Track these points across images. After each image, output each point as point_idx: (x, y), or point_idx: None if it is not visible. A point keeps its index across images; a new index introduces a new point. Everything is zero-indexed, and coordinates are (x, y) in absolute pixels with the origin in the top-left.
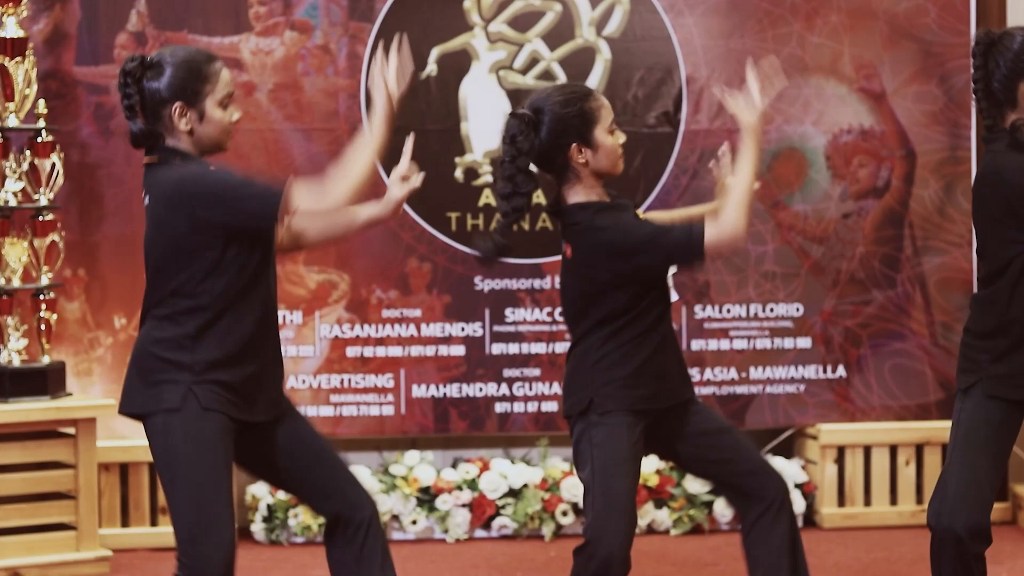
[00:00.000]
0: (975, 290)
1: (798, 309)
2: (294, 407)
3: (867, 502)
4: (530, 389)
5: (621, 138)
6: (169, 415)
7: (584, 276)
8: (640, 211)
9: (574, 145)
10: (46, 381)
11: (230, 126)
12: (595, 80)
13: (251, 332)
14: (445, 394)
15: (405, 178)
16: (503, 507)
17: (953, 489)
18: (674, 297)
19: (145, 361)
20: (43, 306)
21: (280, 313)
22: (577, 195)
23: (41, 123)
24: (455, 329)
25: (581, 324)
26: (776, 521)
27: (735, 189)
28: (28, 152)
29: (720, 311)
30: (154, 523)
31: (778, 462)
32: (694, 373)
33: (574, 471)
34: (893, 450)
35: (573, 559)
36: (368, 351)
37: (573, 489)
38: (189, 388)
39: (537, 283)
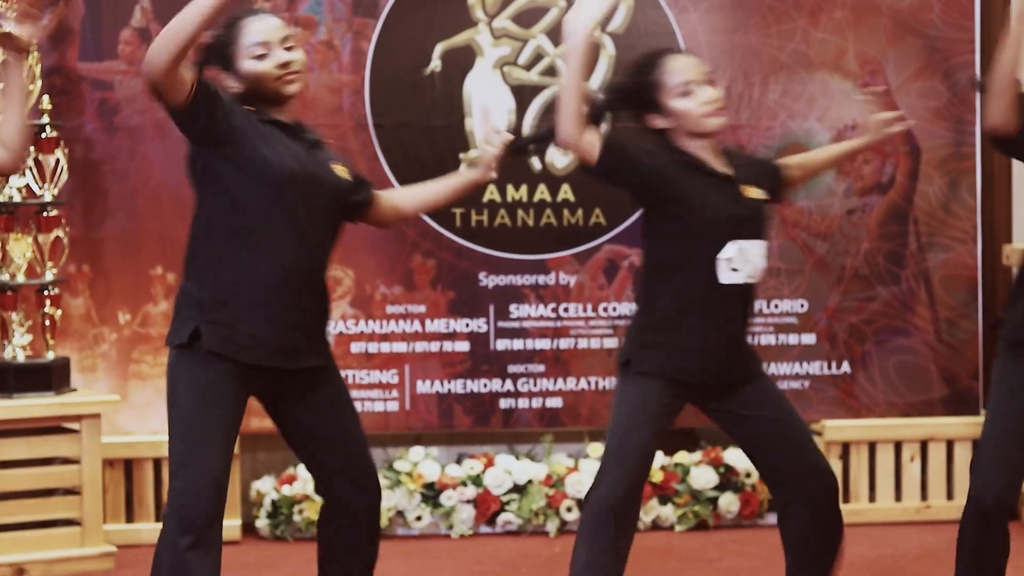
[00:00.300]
0: (980, 285)
1: (802, 305)
2: (335, 381)
3: (872, 498)
4: (535, 385)
5: (708, 94)
6: (179, 352)
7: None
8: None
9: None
10: (50, 377)
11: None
12: (599, 76)
13: (266, 273)
14: (450, 390)
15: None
16: (508, 503)
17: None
18: (728, 278)
19: (178, 292)
20: (47, 302)
21: None
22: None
23: (45, 119)
24: (459, 325)
25: (643, 268)
26: (808, 517)
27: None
28: (32, 148)
29: None
30: (159, 519)
31: None
32: None
33: (579, 467)
34: (898, 446)
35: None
36: (372, 347)
37: (578, 485)
38: (197, 326)
39: (542, 279)
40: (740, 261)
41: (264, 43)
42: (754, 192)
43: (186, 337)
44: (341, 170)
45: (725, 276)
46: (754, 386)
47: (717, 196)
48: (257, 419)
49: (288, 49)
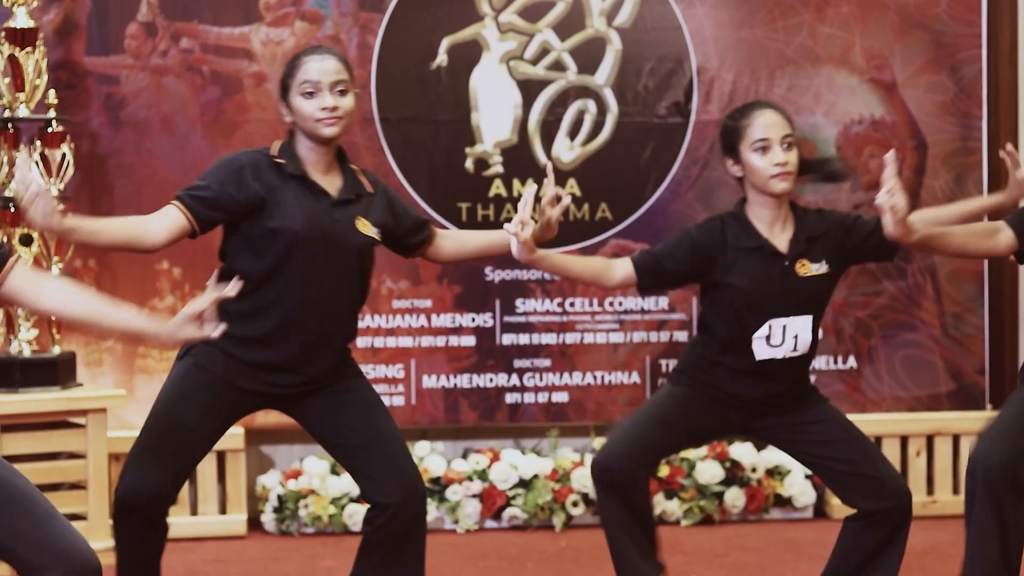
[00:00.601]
0: (986, 280)
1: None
2: (358, 386)
3: None
4: (540, 380)
5: (778, 157)
6: (178, 362)
7: None
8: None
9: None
10: (56, 371)
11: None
12: (605, 70)
13: (268, 327)
14: (455, 385)
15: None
16: (513, 498)
17: (994, 427)
18: (766, 354)
19: None
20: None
21: None
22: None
23: (51, 113)
24: (465, 319)
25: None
26: (873, 528)
27: None
28: (38, 142)
29: None
30: None
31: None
32: None
33: (584, 462)
34: (904, 441)
35: None
36: (379, 341)
37: (583, 480)
38: (196, 347)
39: (547, 274)
40: (778, 338)
41: (315, 83)
42: (809, 268)
43: (184, 352)
44: (363, 226)
45: (762, 352)
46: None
47: (758, 276)
48: (262, 415)
49: (340, 93)
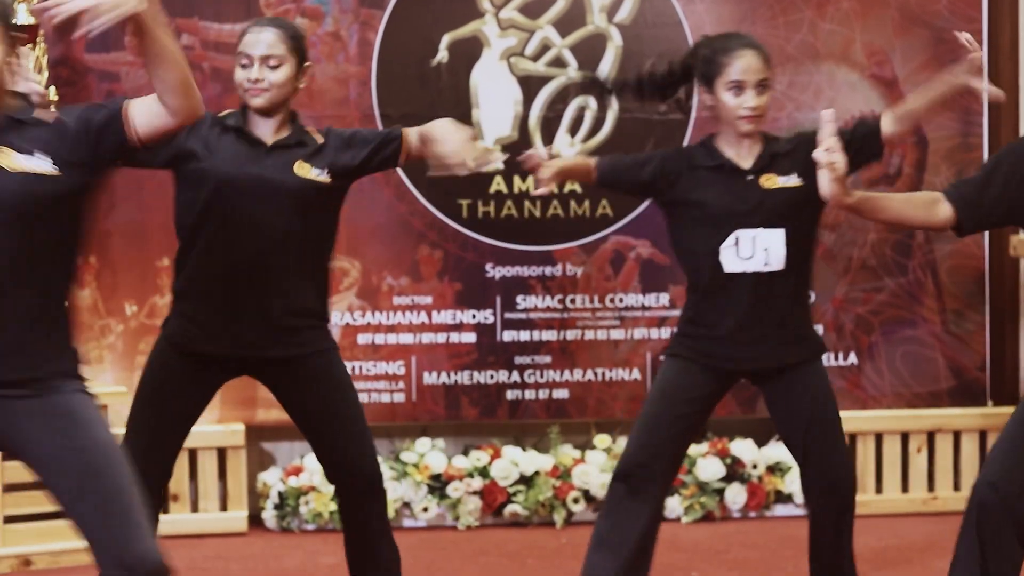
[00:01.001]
0: (987, 276)
1: (809, 296)
2: (323, 366)
3: (878, 489)
4: (541, 376)
5: (749, 101)
6: (158, 338)
7: None
8: None
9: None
10: None
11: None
12: (606, 67)
13: (213, 270)
14: (456, 381)
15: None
16: (514, 494)
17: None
18: (736, 266)
19: None
20: None
21: None
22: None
23: (52, 110)
24: (466, 316)
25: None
26: (818, 516)
27: None
28: None
29: None
30: (165, 510)
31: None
32: None
33: (585, 459)
34: (904, 437)
35: None
36: (379, 338)
37: (584, 476)
38: (168, 317)
39: (548, 270)
40: (747, 249)
41: (248, 55)
42: (775, 181)
43: (160, 327)
44: (302, 168)
45: (731, 264)
46: (797, 375)
47: (719, 190)
48: (263, 411)
49: (271, 67)
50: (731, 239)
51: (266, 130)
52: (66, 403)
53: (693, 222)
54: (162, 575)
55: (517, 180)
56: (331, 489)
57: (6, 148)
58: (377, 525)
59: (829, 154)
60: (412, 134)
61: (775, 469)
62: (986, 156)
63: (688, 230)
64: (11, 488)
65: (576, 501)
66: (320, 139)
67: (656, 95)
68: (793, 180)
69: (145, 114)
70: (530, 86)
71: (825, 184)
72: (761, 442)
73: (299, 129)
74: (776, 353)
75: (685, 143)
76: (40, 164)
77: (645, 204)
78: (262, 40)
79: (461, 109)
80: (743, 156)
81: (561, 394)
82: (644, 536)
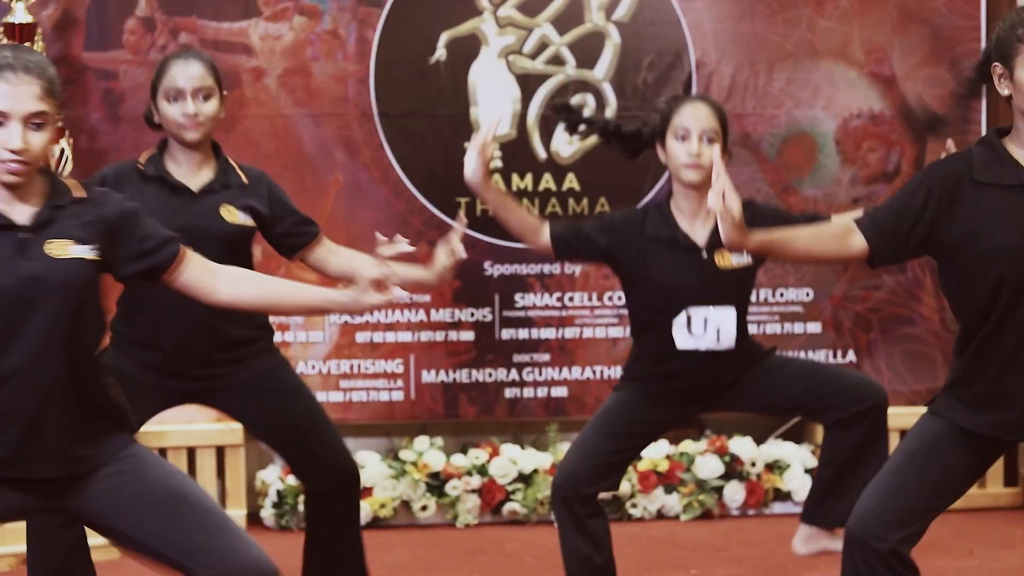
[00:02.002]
0: None
1: (808, 294)
2: (272, 381)
3: None
4: (540, 374)
5: (692, 148)
6: None
7: None
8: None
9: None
10: None
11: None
12: (604, 65)
13: (147, 320)
14: (455, 379)
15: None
16: (513, 492)
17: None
18: (688, 343)
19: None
20: None
21: None
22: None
23: None
24: (464, 314)
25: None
26: (852, 426)
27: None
28: None
29: None
30: None
31: (787, 448)
32: None
33: None
34: (903, 435)
35: None
36: (378, 336)
37: None
38: (108, 350)
39: (547, 268)
40: (699, 328)
41: (178, 89)
42: (728, 260)
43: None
44: (228, 212)
45: (683, 341)
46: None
47: (673, 267)
48: None
49: (203, 99)
50: (682, 316)
51: (190, 168)
52: (122, 465)
53: (645, 295)
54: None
55: (515, 178)
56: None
57: (57, 239)
58: (357, 524)
59: (718, 199)
60: (331, 255)
61: (774, 467)
62: None
63: (640, 301)
64: None
65: None
66: (244, 179)
67: (621, 149)
68: (745, 259)
69: (197, 280)
70: (528, 84)
71: (723, 230)
72: (760, 440)
73: (224, 165)
74: (732, 387)
75: None
76: (83, 250)
77: (644, 202)
78: (192, 73)
79: (459, 107)
80: (697, 227)
81: (560, 392)
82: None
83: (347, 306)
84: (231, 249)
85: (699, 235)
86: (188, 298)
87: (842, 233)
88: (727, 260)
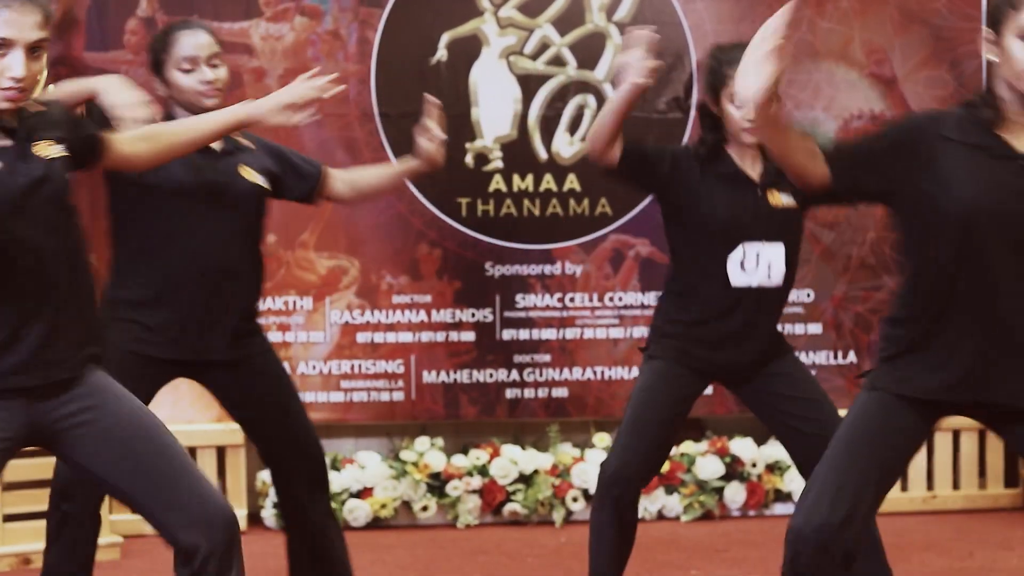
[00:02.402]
0: None
1: (809, 295)
2: (265, 364)
3: None
4: (540, 375)
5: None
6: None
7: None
8: None
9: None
10: None
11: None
12: (605, 65)
13: (168, 274)
14: (455, 380)
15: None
16: (513, 493)
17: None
18: (741, 280)
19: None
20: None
21: (290, 299)
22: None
23: None
24: (465, 315)
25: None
26: None
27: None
28: None
29: None
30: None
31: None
32: None
33: (585, 457)
34: None
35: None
36: (378, 337)
37: (583, 475)
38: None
39: (548, 269)
40: (752, 263)
41: (192, 58)
42: (779, 199)
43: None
44: (247, 172)
45: (737, 278)
46: (776, 365)
47: (732, 201)
48: None
49: (213, 67)
50: (739, 252)
51: None
52: (95, 399)
53: (700, 231)
54: (235, 525)
55: (516, 179)
56: (331, 487)
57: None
58: (331, 514)
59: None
60: (337, 183)
61: (774, 468)
62: None
63: (693, 238)
64: (10, 487)
65: (575, 500)
66: (249, 144)
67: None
68: (791, 200)
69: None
70: (529, 84)
71: (761, 77)
72: (760, 441)
73: (228, 136)
74: (755, 358)
75: (684, 140)
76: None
77: (644, 203)
78: (202, 42)
79: (460, 107)
80: (748, 166)
81: (560, 393)
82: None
83: (262, 119)
84: (250, 208)
85: (752, 173)
86: (199, 247)
87: (814, 153)
88: (777, 199)
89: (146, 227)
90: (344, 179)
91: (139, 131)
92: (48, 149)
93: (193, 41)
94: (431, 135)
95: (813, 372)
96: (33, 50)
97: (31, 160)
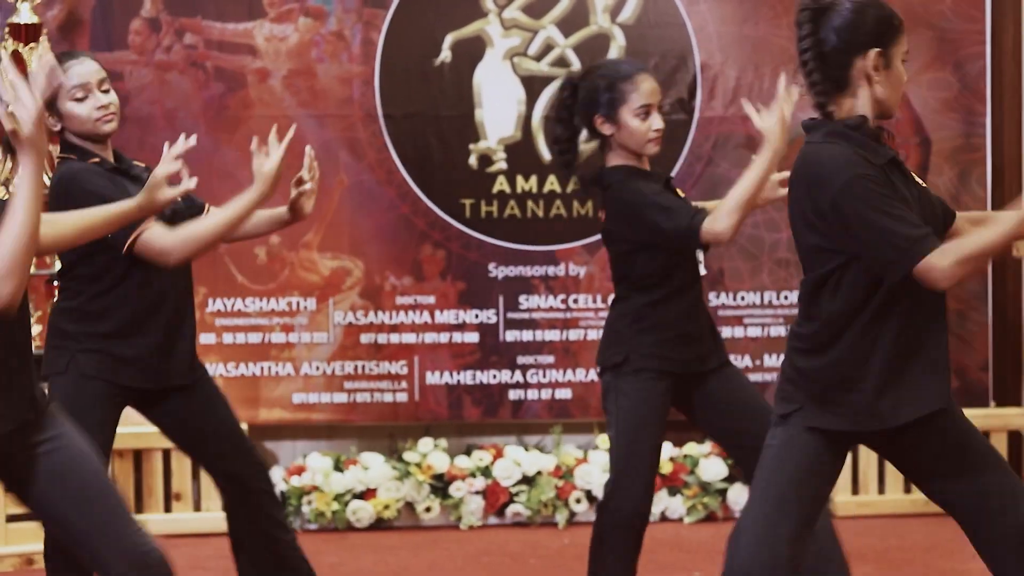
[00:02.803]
0: (990, 277)
1: None
2: (204, 380)
3: (880, 490)
4: (544, 376)
5: (656, 123)
6: (58, 377)
7: (614, 238)
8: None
9: (598, 116)
10: None
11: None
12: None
13: (138, 304)
14: (459, 381)
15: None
16: (516, 494)
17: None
18: (703, 271)
19: (50, 325)
20: (56, 292)
21: (294, 300)
22: (612, 160)
23: None
24: (469, 316)
25: (620, 285)
26: None
27: (736, 189)
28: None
29: (734, 299)
30: (168, 509)
31: None
32: None
33: (588, 458)
34: None
35: (596, 515)
36: (382, 338)
37: (587, 476)
38: (73, 355)
39: (551, 270)
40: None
41: (84, 86)
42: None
43: (64, 366)
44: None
45: (702, 269)
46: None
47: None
48: (265, 410)
49: (104, 92)
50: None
51: (109, 158)
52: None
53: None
54: (167, 568)
55: (520, 180)
56: (334, 488)
57: None
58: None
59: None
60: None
61: None
62: (989, 156)
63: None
64: None
65: (579, 501)
66: (143, 164)
67: (565, 157)
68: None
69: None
70: (533, 86)
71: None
72: None
73: (117, 153)
74: (715, 353)
75: (688, 143)
76: None
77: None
78: (91, 68)
79: (464, 109)
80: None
81: (564, 394)
82: None
83: (144, 210)
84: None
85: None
86: (163, 276)
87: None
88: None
89: (117, 260)
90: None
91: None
92: None
93: (82, 69)
94: (303, 186)
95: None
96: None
97: None
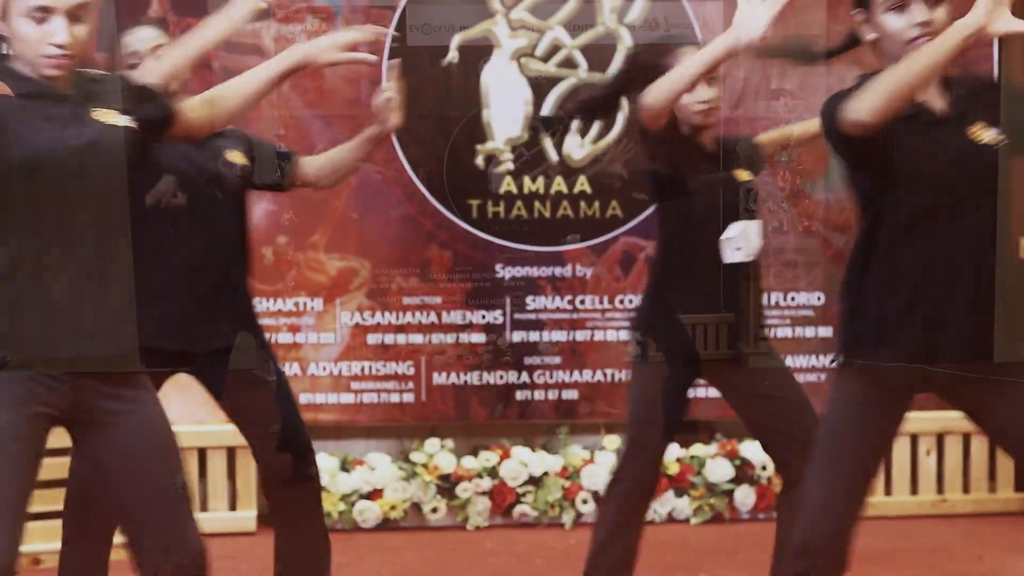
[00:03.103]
0: (995, 277)
1: (819, 298)
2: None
3: (888, 492)
4: (551, 377)
5: (704, 94)
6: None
7: None
8: None
9: None
10: None
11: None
12: (614, 67)
13: (171, 268)
14: (466, 382)
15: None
16: (523, 495)
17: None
18: (733, 257)
19: None
20: None
21: (301, 300)
22: None
23: None
24: (476, 317)
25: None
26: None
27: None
28: None
29: None
30: None
31: None
32: None
33: (594, 459)
34: (914, 439)
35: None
36: (389, 338)
37: (593, 477)
38: None
39: (558, 271)
40: (742, 240)
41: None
42: (744, 175)
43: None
44: (234, 156)
45: (729, 256)
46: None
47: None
48: None
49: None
50: (730, 229)
51: None
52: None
53: (691, 212)
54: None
55: (527, 181)
56: (340, 488)
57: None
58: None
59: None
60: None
61: None
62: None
63: (693, 216)
64: None
65: (585, 502)
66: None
67: (600, 113)
68: (749, 174)
69: None
70: (541, 87)
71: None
72: None
73: None
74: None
75: None
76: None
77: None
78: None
79: (471, 109)
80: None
81: (570, 394)
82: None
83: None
84: (240, 190)
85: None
86: (200, 233)
87: None
88: (742, 175)
89: (149, 211)
90: (315, 163)
91: (199, 97)
92: (110, 117)
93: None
94: (384, 94)
95: (824, 376)
96: (75, 16)
97: (87, 123)
